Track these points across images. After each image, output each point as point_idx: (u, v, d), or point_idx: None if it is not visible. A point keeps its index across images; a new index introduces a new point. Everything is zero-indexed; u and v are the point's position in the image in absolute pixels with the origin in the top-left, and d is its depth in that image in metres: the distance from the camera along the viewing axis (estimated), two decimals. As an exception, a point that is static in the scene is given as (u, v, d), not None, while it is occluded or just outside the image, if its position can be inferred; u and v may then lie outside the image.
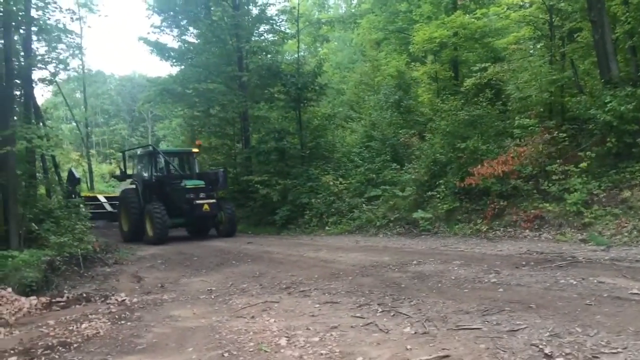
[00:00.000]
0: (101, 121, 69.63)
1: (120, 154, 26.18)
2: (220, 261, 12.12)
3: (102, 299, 8.94)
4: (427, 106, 22.61)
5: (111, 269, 12.07)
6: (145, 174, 19.19)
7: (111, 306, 8.45)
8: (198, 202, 17.44)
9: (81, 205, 17.29)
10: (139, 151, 20.99)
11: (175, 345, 6.27)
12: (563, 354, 5.04)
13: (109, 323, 7.43)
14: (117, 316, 7.79)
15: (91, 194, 27.32)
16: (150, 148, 19.77)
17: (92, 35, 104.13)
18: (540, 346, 5.25)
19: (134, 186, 19.62)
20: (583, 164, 12.64)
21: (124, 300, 8.78)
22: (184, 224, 19.09)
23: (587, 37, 15.78)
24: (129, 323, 7.42)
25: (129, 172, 21.21)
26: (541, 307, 6.61)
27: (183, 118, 30.51)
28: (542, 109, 16.68)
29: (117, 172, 21.92)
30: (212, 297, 8.73)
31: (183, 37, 26.12)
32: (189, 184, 17.98)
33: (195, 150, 20.47)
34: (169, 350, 6.11)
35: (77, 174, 22.03)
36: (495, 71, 18.01)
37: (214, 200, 17.95)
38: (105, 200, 25.20)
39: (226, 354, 5.76)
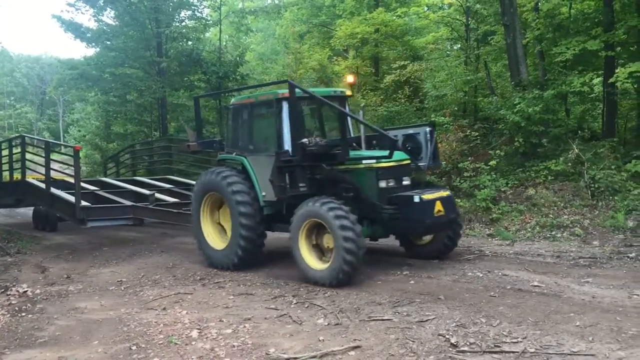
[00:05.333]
0: (7, 103, 65.64)
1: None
2: (132, 252, 11.72)
3: (2, 291, 8.42)
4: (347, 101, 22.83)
5: (13, 258, 11.41)
6: (271, 142, 9.40)
7: (11, 298, 7.98)
8: (424, 197, 8.33)
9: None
10: (244, 98, 10.41)
11: (80, 338, 6.02)
12: (468, 343, 5.25)
13: (8, 315, 7.04)
14: (17, 308, 7.39)
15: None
16: (276, 94, 9.19)
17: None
18: (447, 336, 5.45)
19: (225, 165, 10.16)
20: (492, 162, 13.21)
21: (25, 291, 8.32)
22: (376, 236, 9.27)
23: (500, 40, 16.49)
24: (30, 315, 7.06)
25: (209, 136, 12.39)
26: (449, 298, 6.86)
27: (98, 103, 29.28)
28: (456, 108, 17.29)
29: (191, 139, 11.33)
30: (122, 288, 8.45)
31: (100, 17, 25.00)
32: (382, 159, 8.61)
33: (349, 92, 10.51)
34: (72, 344, 5.86)
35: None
36: (413, 69, 18.52)
37: (447, 193, 9.03)
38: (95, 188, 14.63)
39: (134, 347, 5.59)
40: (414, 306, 6.60)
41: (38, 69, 68.88)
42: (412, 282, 7.86)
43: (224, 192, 9.43)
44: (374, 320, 6.15)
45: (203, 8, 26.18)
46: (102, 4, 24.08)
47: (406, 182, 8.98)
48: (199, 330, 6.05)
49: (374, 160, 8.61)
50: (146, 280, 8.93)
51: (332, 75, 24.40)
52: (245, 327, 6.13)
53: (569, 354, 4.89)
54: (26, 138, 15.80)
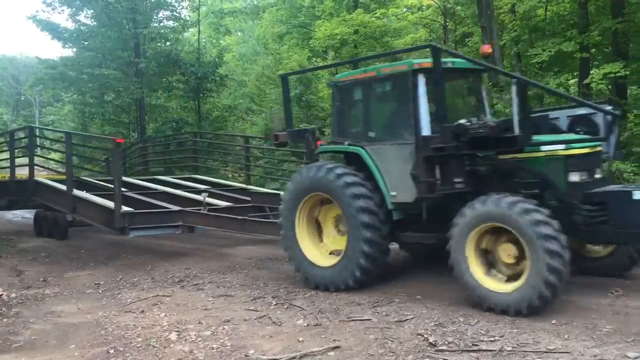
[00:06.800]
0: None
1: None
2: (110, 254, 11.59)
3: (-24, 295, 8.28)
4: (327, 102, 22.89)
5: (-12, 262, 11.21)
6: (403, 127, 7.47)
7: (-14, 302, 7.85)
8: None
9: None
10: (357, 73, 8.30)
11: (56, 342, 5.95)
12: (446, 342, 5.30)
13: (-17, 320, 6.91)
14: (-8, 313, 7.26)
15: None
16: (411, 65, 7.23)
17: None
18: (426, 335, 5.49)
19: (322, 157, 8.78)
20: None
21: (0, 295, 8.17)
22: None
23: (478, 42, 16.66)
24: (5, 319, 6.94)
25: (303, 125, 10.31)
26: (428, 298, 6.92)
27: (74, 104, 28.97)
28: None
29: (277, 128, 9.87)
30: (100, 291, 8.36)
31: (77, 18, 24.76)
32: (574, 144, 6.81)
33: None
34: (49, 348, 5.79)
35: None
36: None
37: None
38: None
39: (112, 351, 5.54)
40: (393, 306, 6.64)
41: (12, 69, 67.87)
42: (392, 281, 7.89)
43: (338, 195, 7.45)
44: (353, 320, 6.17)
45: (181, 8, 26.08)
46: (79, 4, 23.86)
47: (598, 175, 6.96)
48: (177, 333, 6.01)
49: (562, 146, 6.68)
50: (124, 283, 8.84)
51: (311, 76, 24.45)
52: (224, 329, 6.11)
53: (545, 352, 4.96)
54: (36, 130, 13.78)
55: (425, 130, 7.05)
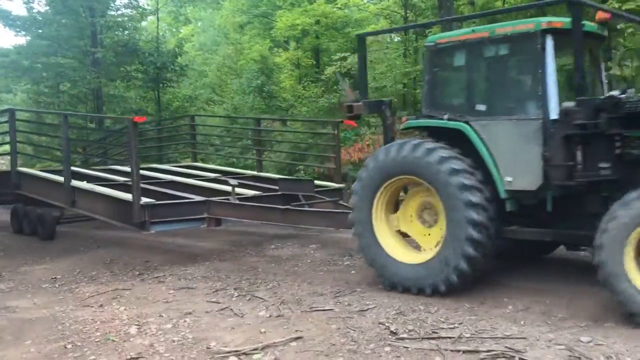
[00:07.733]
0: None
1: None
2: (67, 247, 11.32)
3: None
4: (289, 92, 22.87)
5: (-62, 257, 10.83)
6: (524, 100, 6.31)
7: (-64, 299, 7.59)
8: None
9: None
10: (461, 34, 6.77)
11: (12, 338, 5.80)
12: (407, 330, 5.37)
13: None
14: (-58, 309, 7.02)
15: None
16: (539, 24, 6.03)
17: None
18: (387, 324, 5.55)
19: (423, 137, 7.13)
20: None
21: (-48, 291, 7.94)
22: None
23: (438, 33, 16.84)
24: (-43, 316, 6.73)
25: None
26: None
27: (27, 93, 28.12)
28: (396, 100, 17.55)
29: (350, 97, 8.40)
30: (56, 285, 8.18)
31: (30, 5, 24.02)
32: None
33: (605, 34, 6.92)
34: (3, 344, 5.64)
35: None
36: (354, 61, 18.64)
37: None
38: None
39: (69, 346, 5.43)
40: (355, 296, 6.69)
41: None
42: (353, 272, 7.96)
43: (438, 182, 6.21)
44: (315, 310, 6.19)
45: (140, -3, 25.60)
46: (32, -10, 23.16)
47: None
48: (137, 327, 5.92)
49: None
50: (82, 277, 8.67)
51: (273, 66, 24.36)
52: (185, 321, 6.05)
53: (502, 338, 5.07)
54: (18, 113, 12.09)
55: (554, 103, 5.94)
